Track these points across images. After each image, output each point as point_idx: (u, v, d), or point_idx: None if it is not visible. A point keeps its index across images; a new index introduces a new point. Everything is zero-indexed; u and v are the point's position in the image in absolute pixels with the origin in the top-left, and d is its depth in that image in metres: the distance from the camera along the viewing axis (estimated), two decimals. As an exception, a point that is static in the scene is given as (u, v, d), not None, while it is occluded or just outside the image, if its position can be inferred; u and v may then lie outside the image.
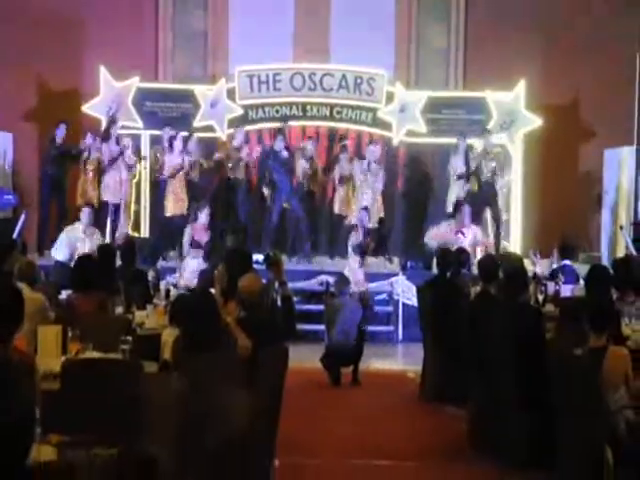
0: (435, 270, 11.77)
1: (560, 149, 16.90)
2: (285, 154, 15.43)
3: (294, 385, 7.56)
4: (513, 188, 16.37)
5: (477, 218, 14.85)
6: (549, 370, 6.17)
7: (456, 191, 15.52)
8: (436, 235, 14.33)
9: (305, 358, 11.03)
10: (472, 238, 13.93)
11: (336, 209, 15.72)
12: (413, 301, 12.88)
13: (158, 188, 15.68)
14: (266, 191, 15.54)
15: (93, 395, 5.50)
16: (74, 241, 13.03)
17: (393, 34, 17.73)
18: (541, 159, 16.53)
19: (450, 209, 15.16)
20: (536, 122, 16.39)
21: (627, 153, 16.62)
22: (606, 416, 5.66)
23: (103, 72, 16.34)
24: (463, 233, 13.82)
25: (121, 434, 4.88)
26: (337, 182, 15.69)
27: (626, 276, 8.36)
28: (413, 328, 12.80)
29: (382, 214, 15.66)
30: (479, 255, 13.31)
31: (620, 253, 15.44)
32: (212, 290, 7.22)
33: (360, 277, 13.59)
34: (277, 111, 16.60)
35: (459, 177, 15.55)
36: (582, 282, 9.09)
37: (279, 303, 7.15)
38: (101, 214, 15.04)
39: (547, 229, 15.30)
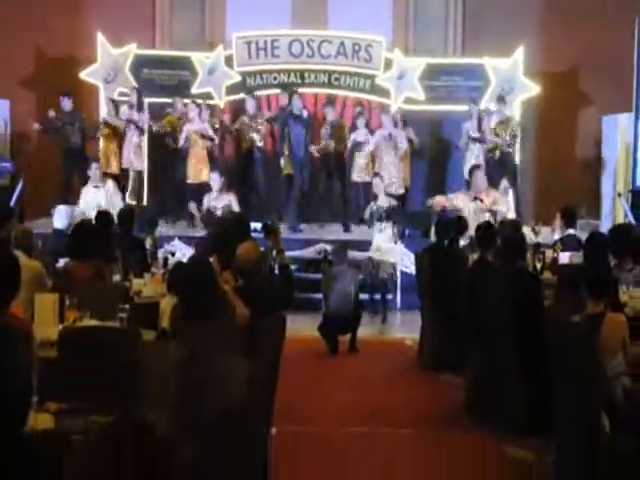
0: (433, 238, 11.74)
1: (558, 116, 16.85)
2: (305, 114, 15.36)
3: (292, 353, 7.57)
4: (511, 155, 16.31)
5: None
6: (546, 337, 6.17)
7: (470, 159, 15.39)
8: (441, 201, 14.11)
9: (303, 327, 11.05)
10: (491, 202, 13.69)
11: (354, 177, 15.64)
12: (411, 269, 12.84)
13: (175, 156, 15.63)
14: (282, 160, 15.45)
15: (90, 363, 5.50)
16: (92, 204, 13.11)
17: (391, 0, 17.64)
18: (539, 126, 16.49)
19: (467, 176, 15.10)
20: (534, 89, 16.33)
21: (625, 120, 16.58)
22: (603, 383, 5.66)
23: (100, 39, 16.27)
24: (481, 200, 13.58)
25: (119, 402, 4.88)
26: (355, 148, 15.55)
27: (624, 243, 8.34)
28: (411, 296, 12.79)
29: (404, 181, 15.60)
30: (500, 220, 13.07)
31: (619, 220, 15.43)
32: (210, 259, 7.21)
33: (389, 245, 13.46)
34: (275, 78, 16.55)
35: (474, 140, 15.45)
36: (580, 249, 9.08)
37: (277, 271, 7.15)
38: (123, 181, 15.22)
39: (545, 197, 15.29)
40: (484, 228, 9.20)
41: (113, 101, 15.89)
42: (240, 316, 6.03)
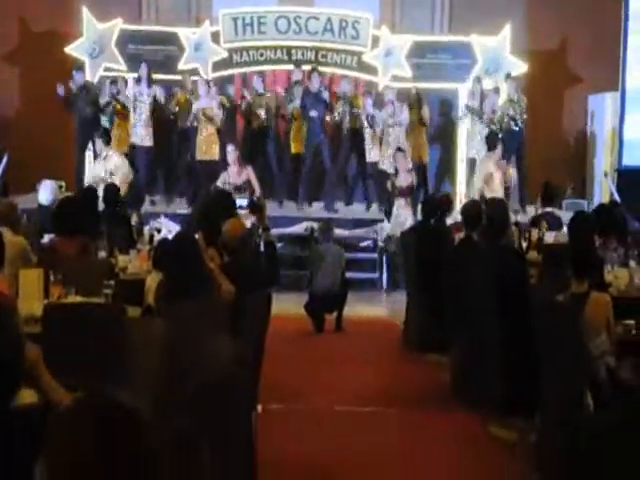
0: (420, 217, 11.73)
1: (545, 94, 16.82)
2: (325, 95, 15.38)
3: (278, 331, 7.57)
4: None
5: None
6: (531, 316, 6.18)
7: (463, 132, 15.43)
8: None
9: (289, 305, 11.05)
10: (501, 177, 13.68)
11: (367, 155, 15.51)
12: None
13: (184, 134, 15.52)
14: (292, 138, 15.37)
15: (75, 339, 5.47)
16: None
17: (379, -24, 17.57)
18: (526, 105, 16.45)
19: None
20: (521, 67, 16.30)
21: (611, 99, 16.58)
22: (587, 361, 5.68)
23: (85, 13, 16.14)
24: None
25: (103, 378, 4.87)
26: (367, 126, 15.37)
27: (609, 223, 8.37)
28: (398, 275, 12.81)
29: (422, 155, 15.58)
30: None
31: (605, 200, 15.44)
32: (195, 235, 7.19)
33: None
34: (262, 55, 16.46)
35: (471, 111, 15.52)
36: (565, 229, 9.08)
37: (262, 249, 7.15)
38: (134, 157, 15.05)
39: (531, 176, 15.25)
40: (470, 207, 9.18)
41: (114, 81, 15.66)
42: (225, 293, 6.02)
